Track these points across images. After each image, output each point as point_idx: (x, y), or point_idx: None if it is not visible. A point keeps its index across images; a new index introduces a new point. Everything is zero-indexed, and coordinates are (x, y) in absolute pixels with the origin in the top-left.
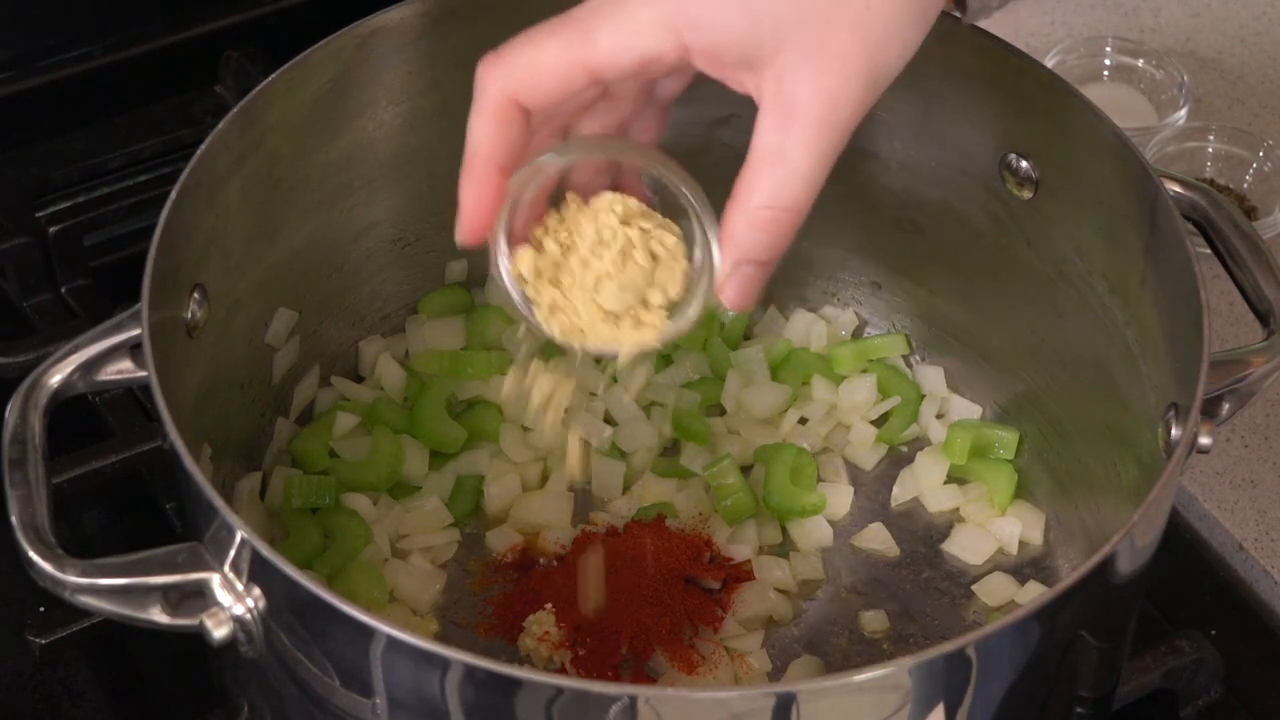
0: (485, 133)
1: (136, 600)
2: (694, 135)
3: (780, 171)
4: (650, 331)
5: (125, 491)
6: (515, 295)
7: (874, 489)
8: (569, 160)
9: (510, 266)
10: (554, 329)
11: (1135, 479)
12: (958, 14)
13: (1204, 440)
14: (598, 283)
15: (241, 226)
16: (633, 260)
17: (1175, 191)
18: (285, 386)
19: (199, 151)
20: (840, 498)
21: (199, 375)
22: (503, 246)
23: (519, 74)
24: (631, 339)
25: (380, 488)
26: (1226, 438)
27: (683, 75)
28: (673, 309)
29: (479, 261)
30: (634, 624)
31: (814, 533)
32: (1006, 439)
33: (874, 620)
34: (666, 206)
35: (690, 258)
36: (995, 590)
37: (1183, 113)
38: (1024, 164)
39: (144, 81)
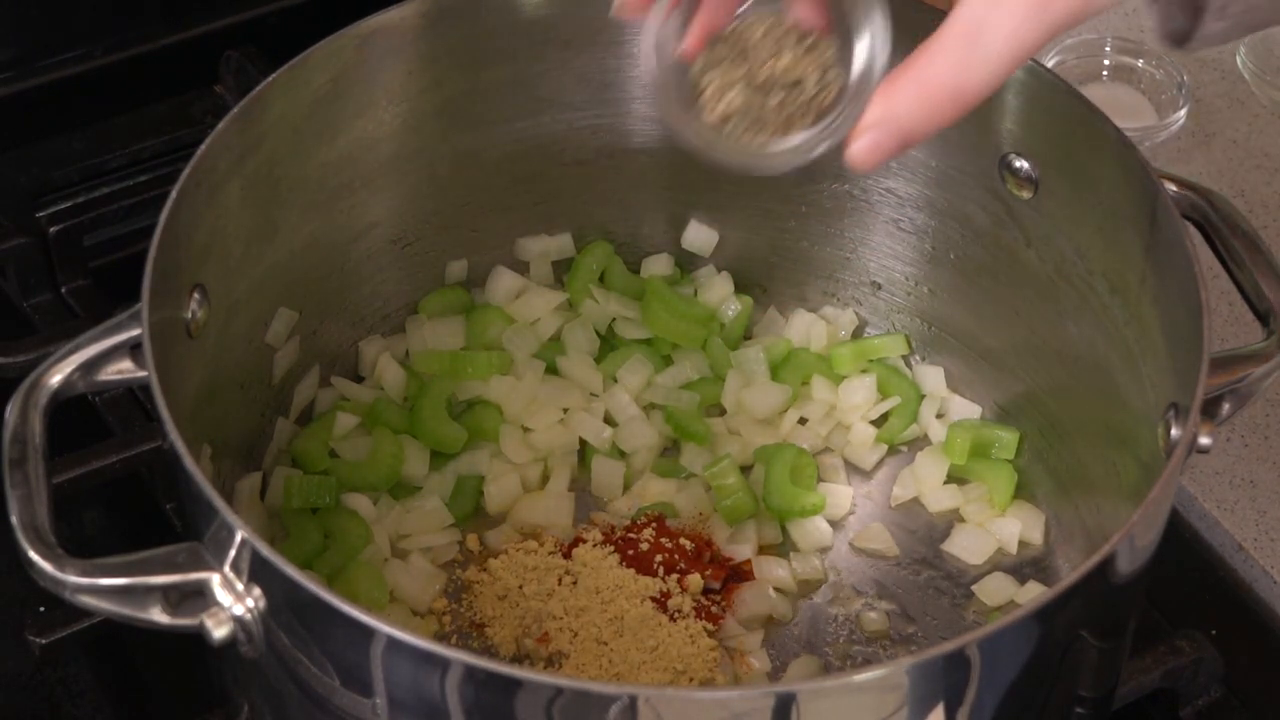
0: None
1: (136, 600)
2: None
3: (972, 51)
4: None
5: (125, 491)
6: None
7: (874, 489)
8: None
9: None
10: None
11: (1135, 479)
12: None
13: (1204, 440)
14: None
15: (241, 226)
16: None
17: (1175, 191)
18: (285, 386)
19: (199, 151)
20: (840, 498)
21: (199, 375)
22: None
23: None
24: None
25: (380, 488)
26: (1226, 438)
27: None
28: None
29: (479, 261)
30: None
31: (814, 533)
32: (1006, 439)
33: (874, 620)
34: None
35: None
36: (995, 590)
37: (1183, 113)
38: (1024, 164)
39: (144, 81)
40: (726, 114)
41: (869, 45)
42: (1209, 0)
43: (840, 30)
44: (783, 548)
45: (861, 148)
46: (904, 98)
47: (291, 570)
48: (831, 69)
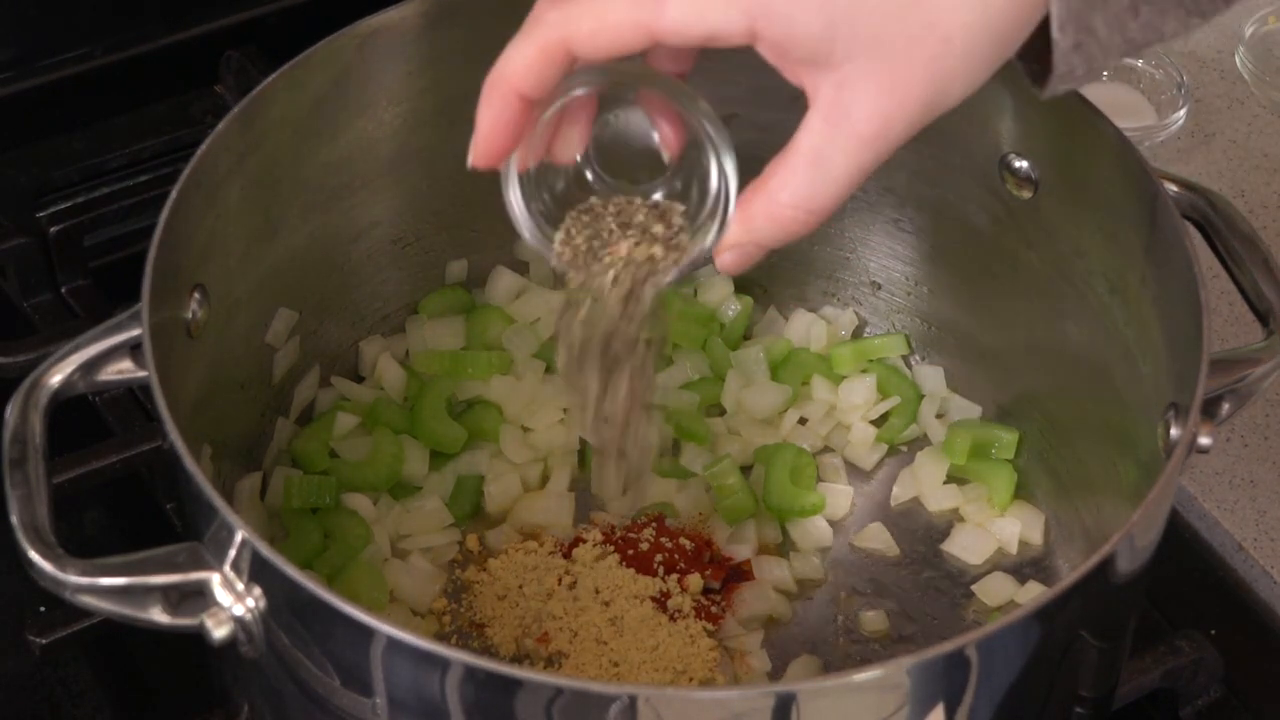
0: (524, 63)
1: (136, 600)
2: None
3: (816, 175)
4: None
5: (125, 491)
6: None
7: (874, 489)
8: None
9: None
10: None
11: (1135, 479)
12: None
13: (1203, 440)
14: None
15: (241, 226)
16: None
17: (1175, 191)
18: (285, 386)
19: (199, 151)
20: (840, 498)
21: (199, 375)
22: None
23: (580, 22)
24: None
25: (380, 488)
26: (1226, 438)
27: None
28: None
29: (479, 261)
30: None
31: (814, 533)
32: (1006, 439)
33: (874, 620)
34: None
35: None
36: (995, 590)
37: (1182, 113)
38: (1024, 164)
39: (144, 81)
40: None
41: (718, 172)
42: (1055, 67)
43: (690, 158)
44: (783, 548)
45: (727, 261)
46: (760, 221)
47: (291, 570)
48: (681, 232)
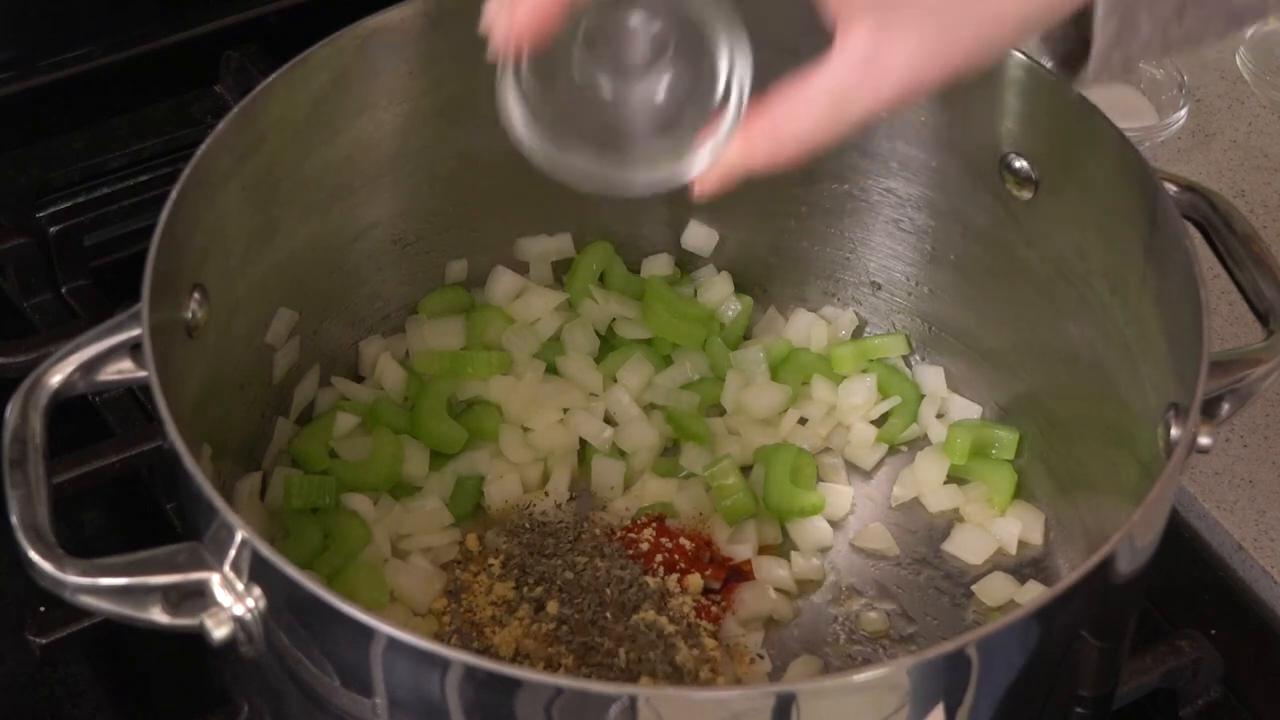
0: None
1: (136, 600)
2: None
3: (831, 116)
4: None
5: (125, 491)
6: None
7: (874, 489)
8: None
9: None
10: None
11: (1135, 479)
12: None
13: (1204, 440)
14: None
15: (241, 226)
16: None
17: (1175, 191)
18: (285, 386)
19: (199, 151)
20: (840, 498)
21: (199, 375)
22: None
23: None
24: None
25: (380, 488)
26: (1226, 438)
27: None
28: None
29: (479, 261)
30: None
31: (814, 533)
32: (1006, 439)
33: (874, 620)
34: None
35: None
36: (995, 590)
37: (1183, 113)
38: (1024, 164)
39: (144, 81)
40: None
41: (727, 69)
42: (1092, 60)
43: (693, 56)
44: (783, 548)
45: (710, 183)
46: (758, 146)
47: (291, 570)
48: None
